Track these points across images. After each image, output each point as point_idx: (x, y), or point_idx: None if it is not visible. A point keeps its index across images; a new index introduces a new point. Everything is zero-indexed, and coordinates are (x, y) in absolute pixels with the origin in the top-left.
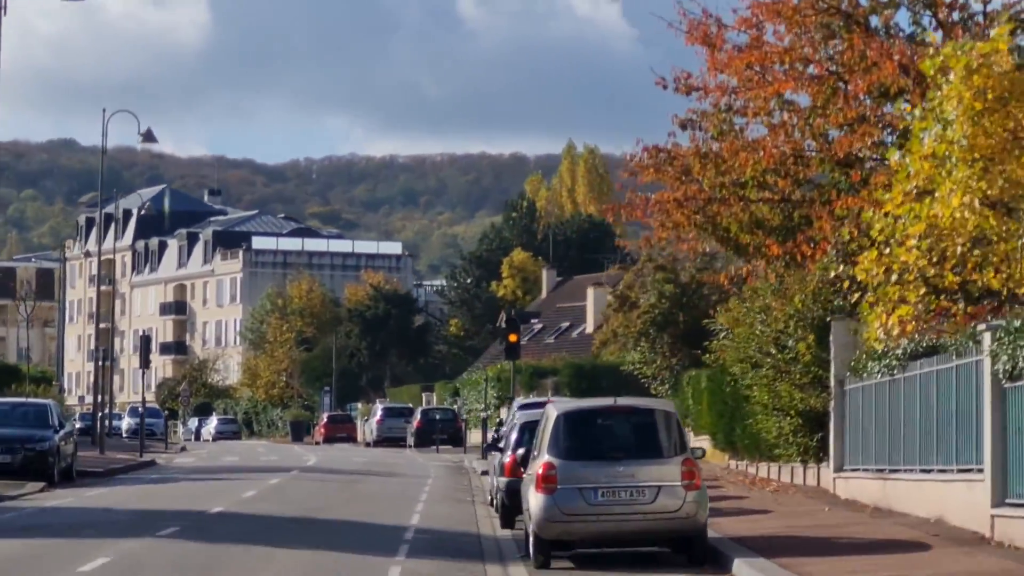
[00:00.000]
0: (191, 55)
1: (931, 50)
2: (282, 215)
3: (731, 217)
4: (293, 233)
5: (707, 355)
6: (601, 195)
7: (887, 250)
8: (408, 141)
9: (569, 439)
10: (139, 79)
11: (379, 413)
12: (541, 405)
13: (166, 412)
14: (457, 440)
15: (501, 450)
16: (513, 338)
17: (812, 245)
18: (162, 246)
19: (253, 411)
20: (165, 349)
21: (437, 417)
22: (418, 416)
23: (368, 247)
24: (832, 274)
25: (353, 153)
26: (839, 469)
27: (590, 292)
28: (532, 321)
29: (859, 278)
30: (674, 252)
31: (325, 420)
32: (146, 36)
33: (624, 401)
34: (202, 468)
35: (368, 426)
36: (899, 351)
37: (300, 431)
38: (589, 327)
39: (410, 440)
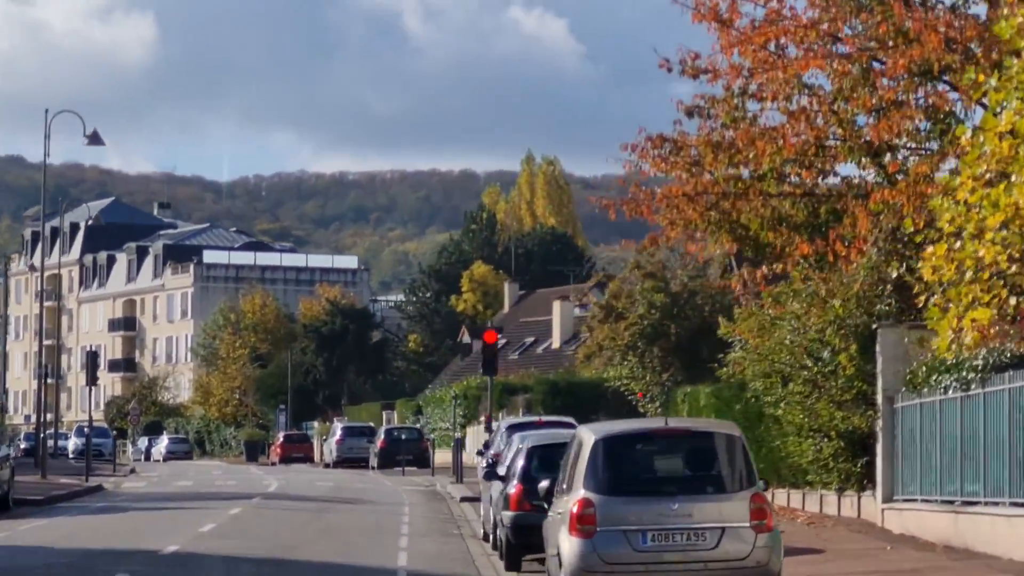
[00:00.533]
0: (138, 72)
1: (1005, 10)
2: (234, 229)
3: (751, 213)
4: (245, 247)
5: (723, 369)
6: (561, 207)
7: (957, 244)
8: (358, 158)
9: (610, 470)
10: (86, 96)
11: (339, 432)
12: (532, 425)
13: (115, 432)
14: (423, 461)
15: (502, 478)
16: (491, 338)
17: (846, 244)
18: (110, 260)
19: (205, 430)
20: (114, 366)
21: (402, 437)
22: (381, 435)
23: (323, 261)
24: (895, 273)
25: (303, 170)
26: (888, 499)
27: (556, 306)
28: None
29: (925, 277)
30: (664, 260)
31: (281, 439)
32: (92, 53)
33: (677, 423)
34: (153, 494)
35: (327, 446)
36: (977, 362)
37: (255, 451)
38: (555, 342)
39: (373, 461)
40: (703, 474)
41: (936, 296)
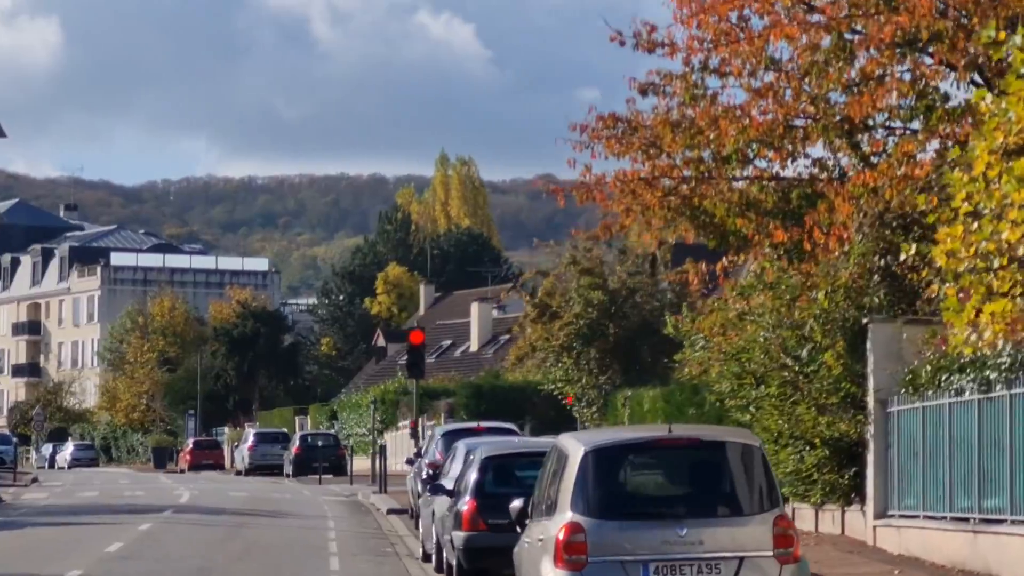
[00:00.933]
0: (43, 77)
1: None
2: (142, 231)
3: (716, 197)
4: (154, 249)
5: (685, 370)
6: (476, 209)
7: (975, 225)
8: (266, 162)
9: (603, 487)
10: None
11: (251, 439)
12: (470, 432)
13: (16, 438)
14: (340, 468)
15: (450, 493)
16: (418, 338)
17: (824, 231)
18: (14, 263)
19: (112, 436)
20: (18, 371)
21: (319, 443)
22: (296, 442)
23: (233, 263)
24: (903, 256)
25: (210, 175)
26: (881, 515)
27: (474, 308)
28: None
29: (938, 263)
30: (600, 255)
31: (191, 446)
32: None
33: (683, 431)
34: (55, 507)
35: (239, 453)
36: (1002, 359)
37: (163, 458)
38: (474, 345)
39: (287, 468)
40: (715, 493)
41: (948, 285)
